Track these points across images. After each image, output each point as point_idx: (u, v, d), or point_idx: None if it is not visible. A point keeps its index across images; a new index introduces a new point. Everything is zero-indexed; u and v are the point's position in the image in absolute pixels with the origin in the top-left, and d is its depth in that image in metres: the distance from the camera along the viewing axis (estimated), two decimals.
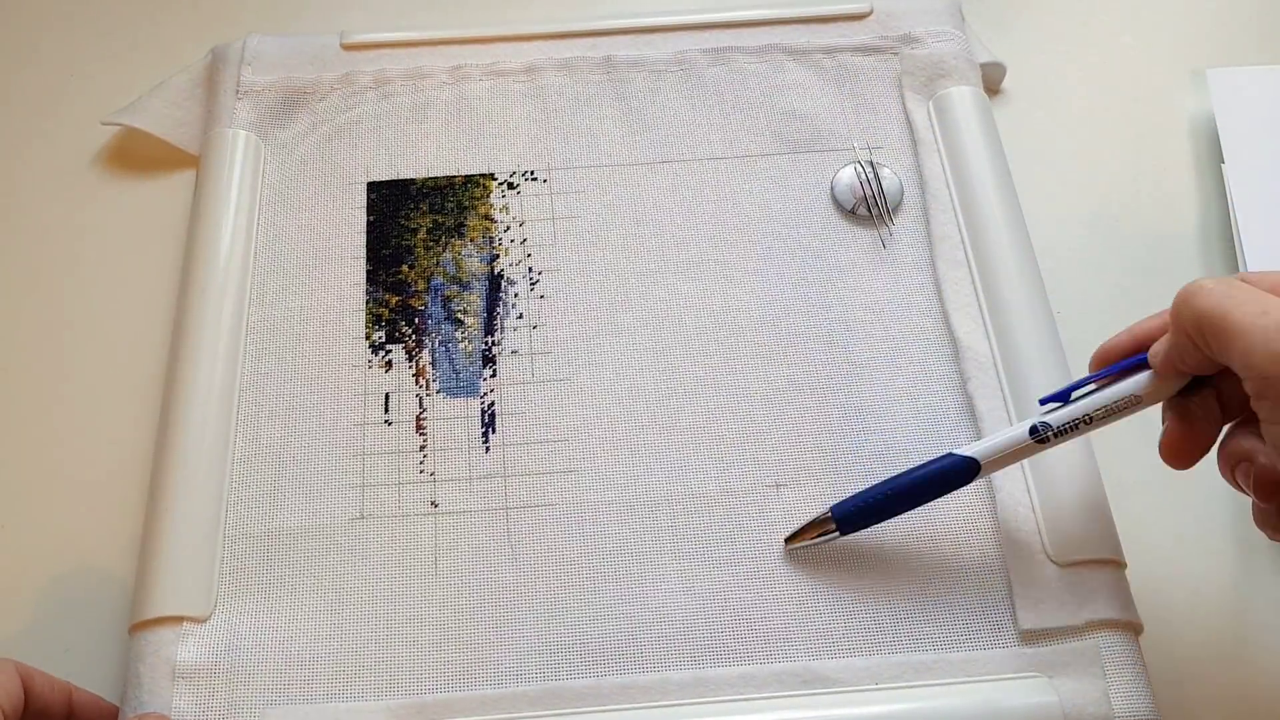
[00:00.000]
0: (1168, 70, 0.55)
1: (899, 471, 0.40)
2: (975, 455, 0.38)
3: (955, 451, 0.38)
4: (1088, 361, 0.38)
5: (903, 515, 0.40)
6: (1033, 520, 0.40)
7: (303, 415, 0.44)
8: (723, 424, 0.43)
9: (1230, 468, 0.35)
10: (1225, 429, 0.36)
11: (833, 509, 0.40)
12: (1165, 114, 0.53)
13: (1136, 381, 0.36)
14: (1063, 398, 0.37)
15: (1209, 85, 0.51)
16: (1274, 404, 0.31)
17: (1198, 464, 0.36)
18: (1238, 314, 0.31)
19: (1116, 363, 0.37)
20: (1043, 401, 0.38)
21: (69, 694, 0.36)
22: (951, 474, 0.38)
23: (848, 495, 0.41)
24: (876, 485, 0.40)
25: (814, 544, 0.40)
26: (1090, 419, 0.37)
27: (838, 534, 0.40)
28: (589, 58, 0.53)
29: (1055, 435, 0.37)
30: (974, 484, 0.41)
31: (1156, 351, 0.35)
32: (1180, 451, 0.36)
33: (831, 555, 0.40)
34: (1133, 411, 0.36)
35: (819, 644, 0.39)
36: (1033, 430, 0.37)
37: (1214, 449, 0.36)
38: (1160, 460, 0.36)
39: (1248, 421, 0.35)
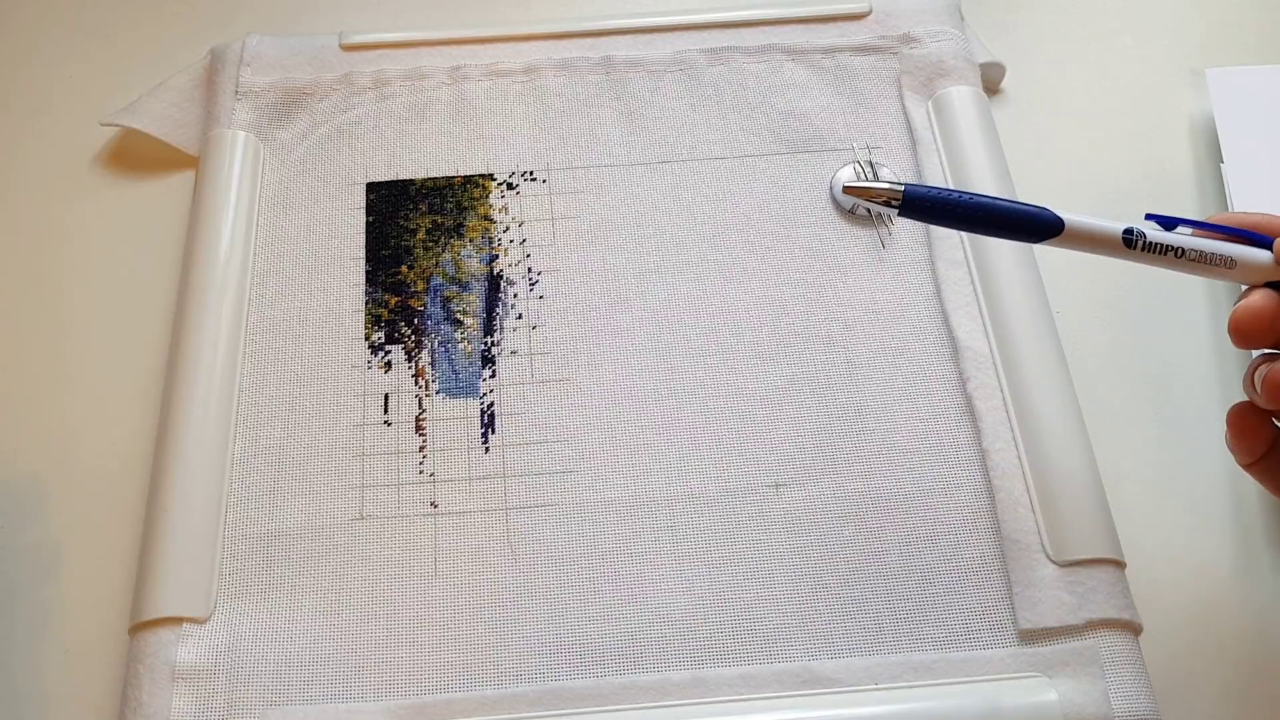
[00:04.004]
0: (1167, 70, 0.55)
1: (899, 467, 0.41)
2: (1065, 218, 0.36)
3: (1048, 208, 0.36)
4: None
5: (902, 515, 0.40)
6: (1032, 520, 0.40)
7: (302, 416, 0.44)
8: (722, 424, 0.43)
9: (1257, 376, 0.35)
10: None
11: (907, 185, 0.36)
12: (1165, 114, 0.53)
13: (1246, 252, 0.36)
14: (1167, 224, 0.36)
15: (1208, 85, 0.51)
16: None
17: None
18: None
19: (1237, 228, 0.36)
20: (1148, 217, 0.36)
21: None
22: (1033, 221, 0.36)
23: (847, 494, 0.41)
24: (957, 190, 0.37)
25: (869, 205, 0.36)
26: (1182, 253, 0.36)
27: (898, 210, 0.36)
28: (588, 58, 0.53)
29: (1143, 249, 0.36)
30: (973, 483, 0.41)
31: None
32: (1257, 330, 0.35)
33: (831, 555, 0.40)
34: (1220, 275, 0.36)
35: (818, 644, 0.39)
36: (1126, 231, 0.36)
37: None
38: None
39: None
